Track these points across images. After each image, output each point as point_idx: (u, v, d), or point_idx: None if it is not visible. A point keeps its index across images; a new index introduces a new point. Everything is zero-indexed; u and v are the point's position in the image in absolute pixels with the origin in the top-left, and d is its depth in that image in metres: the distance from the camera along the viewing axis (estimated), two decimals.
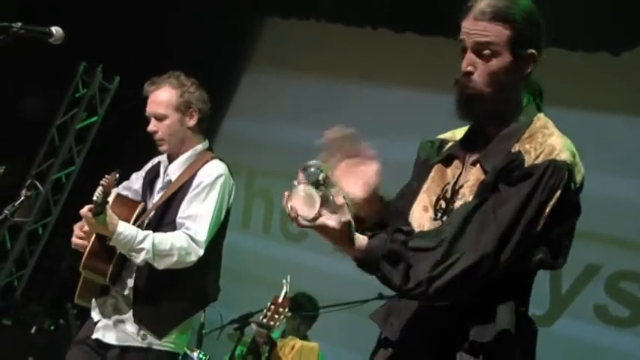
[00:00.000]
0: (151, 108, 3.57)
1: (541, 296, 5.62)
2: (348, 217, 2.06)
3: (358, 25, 6.90)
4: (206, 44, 7.04)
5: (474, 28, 2.14)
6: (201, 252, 3.38)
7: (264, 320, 4.04)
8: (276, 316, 4.05)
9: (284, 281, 4.14)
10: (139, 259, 3.32)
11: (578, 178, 2.09)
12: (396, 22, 6.67)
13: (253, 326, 4.22)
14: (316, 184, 2.08)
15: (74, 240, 3.43)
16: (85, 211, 3.24)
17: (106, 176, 3.20)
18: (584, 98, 5.60)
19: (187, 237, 3.37)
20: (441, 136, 2.45)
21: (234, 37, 7.46)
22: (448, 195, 2.20)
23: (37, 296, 7.20)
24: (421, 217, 2.23)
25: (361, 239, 2.13)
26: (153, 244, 3.31)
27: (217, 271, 3.64)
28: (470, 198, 2.12)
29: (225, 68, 7.32)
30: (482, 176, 2.13)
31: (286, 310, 4.06)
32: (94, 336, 3.47)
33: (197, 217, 3.42)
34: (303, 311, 5.16)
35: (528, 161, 2.06)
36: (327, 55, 7.19)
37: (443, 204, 2.20)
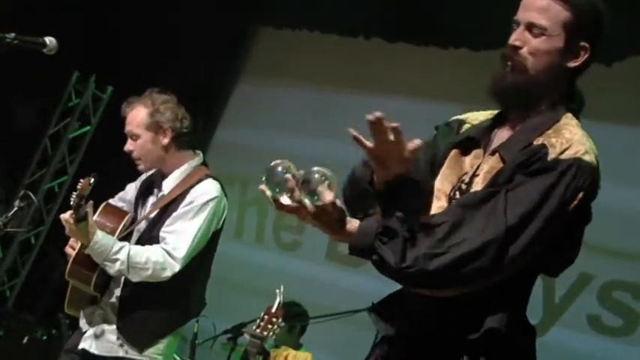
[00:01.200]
0: (127, 128, 3.60)
1: (534, 305, 5.59)
2: (329, 197, 1.95)
3: (351, 35, 6.92)
4: (199, 54, 7.05)
5: (534, 4, 2.06)
6: (177, 268, 3.35)
7: (258, 330, 4.03)
8: (270, 326, 4.03)
9: (277, 291, 4.13)
10: (113, 269, 3.31)
11: (599, 185, 2.02)
12: (389, 32, 6.69)
13: (246, 336, 4.20)
14: (281, 186, 2.02)
15: (68, 249, 3.43)
16: (66, 216, 3.24)
17: (81, 180, 3.21)
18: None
19: (164, 252, 3.35)
20: (459, 117, 2.35)
21: (227, 46, 7.46)
22: (464, 187, 2.10)
23: (29, 306, 7.17)
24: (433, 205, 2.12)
25: (353, 222, 2.01)
26: (128, 255, 3.30)
27: (203, 287, 3.63)
28: (481, 187, 2.03)
29: (218, 78, 7.32)
30: (500, 165, 2.04)
31: (279, 320, 4.05)
32: (81, 346, 3.47)
33: (180, 234, 3.40)
34: (296, 320, 5.14)
35: (552, 154, 1.97)
36: (320, 65, 7.20)
37: (457, 195, 2.10)
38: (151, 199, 3.60)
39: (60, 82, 7.63)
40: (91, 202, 3.28)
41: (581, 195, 1.96)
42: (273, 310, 4.07)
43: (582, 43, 2.08)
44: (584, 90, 2.19)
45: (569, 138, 2.00)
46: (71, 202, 3.18)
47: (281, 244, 7.13)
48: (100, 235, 3.27)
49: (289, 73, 7.35)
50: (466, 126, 2.27)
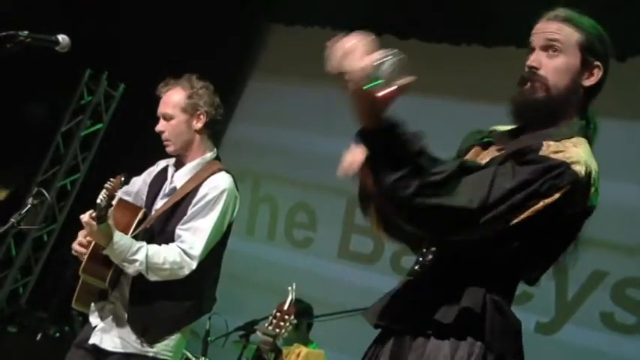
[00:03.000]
0: (161, 108, 3.60)
1: (547, 303, 5.60)
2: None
3: (362, 31, 6.89)
4: (211, 51, 7.05)
5: (545, 27, 2.21)
6: (194, 265, 3.38)
7: (270, 328, 4.03)
8: (282, 324, 4.03)
9: (289, 288, 4.12)
10: (132, 269, 3.33)
11: (585, 203, 2.07)
12: (401, 28, 6.67)
13: (258, 334, 4.20)
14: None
15: (75, 246, 3.43)
16: (86, 217, 3.24)
17: (111, 179, 3.20)
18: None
19: (181, 251, 3.37)
20: (492, 127, 2.45)
21: (239, 44, 7.46)
22: None
23: (42, 303, 7.20)
24: None
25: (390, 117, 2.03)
26: (147, 256, 3.32)
27: (215, 283, 3.64)
28: None
29: (230, 75, 7.32)
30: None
31: (292, 317, 4.04)
32: (91, 341, 3.48)
33: (196, 231, 3.42)
34: (302, 316, 5.14)
35: (544, 151, 2.06)
36: None
37: None
38: (163, 192, 3.60)
39: (72, 80, 7.65)
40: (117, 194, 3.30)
41: (556, 195, 2.00)
42: (285, 307, 4.06)
43: (596, 62, 2.20)
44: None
45: (568, 147, 2.08)
46: (98, 201, 3.17)
47: (293, 241, 7.13)
48: (119, 236, 3.28)
49: (301, 70, 7.34)
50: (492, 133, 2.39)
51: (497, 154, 2.21)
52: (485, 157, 2.25)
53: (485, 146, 2.33)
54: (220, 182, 3.50)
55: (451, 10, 6.32)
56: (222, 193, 3.47)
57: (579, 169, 2.03)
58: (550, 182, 2.00)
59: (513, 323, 2.15)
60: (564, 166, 2.02)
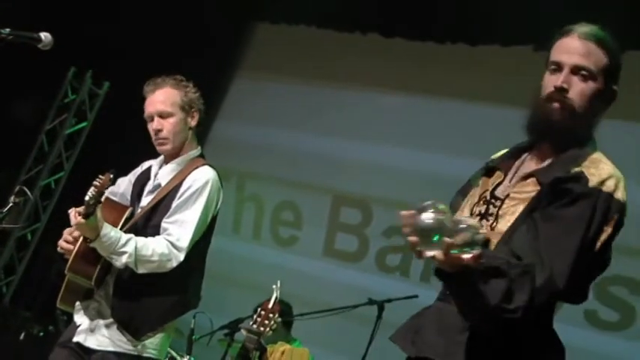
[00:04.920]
0: (155, 107, 3.57)
1: None
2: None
3: (348, 30, 6.91)
4: (196, 49, 7.04)
5: (578, 48, 2.21)
6: (181, 257, 3.38)
7: (254, 326, 4.03)
8: (267, 322, 4.03)
9: (274, 286, 4.12)
10: (120, 262, 3.32)
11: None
12: (385, 27, 6.69)
13: (243, 332, 4.20)
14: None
15: (61, 244, 3.42)
16: (75, 211, 3.23)
17: (100, 176, 3.19)
18: None
19: (168, 243, 3.38)
20: (491, 158, 2.49)
21: (224, 42, 7.45)
22: (488, 197, 2.25)
23: (25, 302, 7.17)
24: None
25: None
26: (135, 248, 3.32)
27: (200, 278, 3.63)
28: (521, 208, 2.15)
29: (215, 73, 7.31)
30: (537, 188, 2.16)
31: (276, 315, 4.05)
32: (75, 339, 3.47)
33: (182, 223, 3.42)
34: (283, 316, 5.15)
35: (592, 182, 2.10)
36: (317, 60, 7.19)
37: (482, 207, 2.24)
38: (147, 189, 3.60)
39: (56, 78, 7.62)
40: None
41: (609, 230, 2.11)
42: (270, 305, 4.06)
43: (614, 87, 2.25)
44: None
45: (606, 171, 2.13)
46: (87, 198, 3.16)
47: (278, 240, 7.13)
48: (108, 229, 3.28)
49: (286, 68, 7.35)
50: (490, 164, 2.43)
51: (524, 183, 2.21)
52: (494, 182, 2.29)
53: (489, 174, 2.36)
54: (204, 174, 3.52)
55: (435, 9, 6.34)
56: (205, 184, 3.48)
57: (620, 195, 2.12)
58: (601, 220, 2.08)
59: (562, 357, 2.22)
60: (609, 199, 2.09)
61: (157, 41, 7.07)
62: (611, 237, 2.12)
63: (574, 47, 2.21)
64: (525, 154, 2.33)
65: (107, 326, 3.44)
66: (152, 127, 3.57)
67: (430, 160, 6.37)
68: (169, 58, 6.61)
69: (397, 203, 6.62)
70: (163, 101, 3.56)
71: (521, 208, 2.16)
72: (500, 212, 2.19)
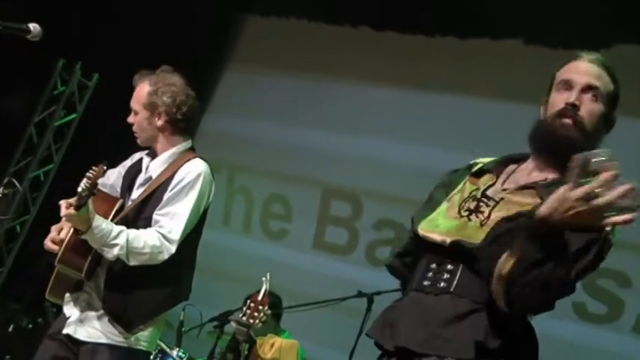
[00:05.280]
0: (132, 101, 3.62)
1: None
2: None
3: (338, 23, 6.91)
4: (186, 42, 7.02)
5: (589, 69, 2.29)
6: (173, 249, 3.38)
7: (244, 318, 4.03)
8: (256, 314, 4.04)
9: (264, 279, 4.13)
10: (112, 254, 3.32)
11: None
12: (376, 20, 6.69)
13: (233, 324, 4.20)
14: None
15: (48, 243, 3.41)
16: (66, 203, 3.23)
17: (93, 168, 3.19)
18: None
19: (160, 235, 3.37)
20: (474, 161, 2.50)
21: (214, 34, 7.44)
22: (479, 195, 2.28)
23: (15, 294, 7.16)
24: (445, 217, 2.28)
25: None
26: (127, 240, 3.31)
27: (191, 270, 3.63)
28: (512, 211, 2.17)
29: (205, 66, 7.30)
30: (537, 201, 2.16)
31: (266, 307, 4.05)
32: (65, 331, 3.46)
33: (174, 216, 3.42)
34: (272, 308, 5.16)
35: None
36: (307, 54, 7.19)
37: (473, 203, 2.27)
38: (139, 182, 3.60)
39: (45, 70, 7.59)
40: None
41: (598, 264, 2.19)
42: (260, 297, 4.06)
43: (614, 114, 2.33)
44: None
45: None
46: (80, 189, 3.15)
47: (268, 233, 7.14)
48: (99, 221, 3.28)
49: (276, 61, 7.34)
50: (479, 165, 2.43)
51: (522, 193, 2.24)
52: (486, 183, 2.33)
53: (478, 175, 2.39)
54: (196, 167, 3.51)
55: (426, 3, 6.34)
56: (198, 177, 3.48)
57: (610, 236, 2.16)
58: (596, 256, 2.15)
59: (537, 349, 2.26)
60: (608, 241, 2.15)
61: (147, 33, 7.05)
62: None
63: (585, 69, 2.29)
64: (515, 165, 2.36)
65: (98, 318, 3.43)
66: (128, 118, 3.63)
67: (420, 153, 6.38)
68: (159, 50, 6.61)
69: (387, 196, 6.65)
70: (135, 97, 3.60)
71: (512, 210, 2.18)
72: (492, 212, 2.21)
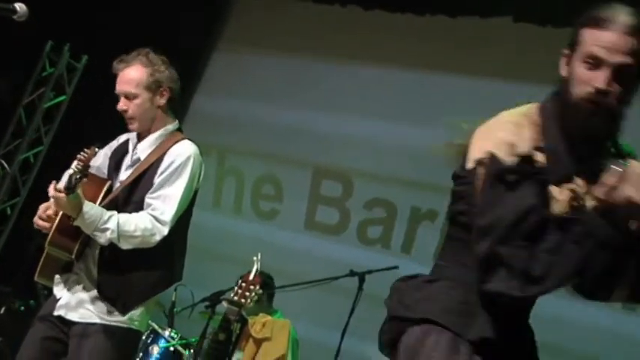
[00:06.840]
0: (121, 87, 3.54)
1: None
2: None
3: (327, 2, 6.89)
4: (176, 21, 6.99)
5: (621, 45, 2.03)
6: (165, 231, 3.38)
7: (236, 298, 4.05)
8: (247, 294, 4.05)
9: (255, 258, 4.14)
10: (104, 238, 3.32)
11: None
12: None
13: (224, 304, 4.22)
14: None
15: (37, 221, 3.41)
16: (55, 188, 3.22)
17: (85, 150, 3.17)
18: None
19: (152, 218, 3.38)
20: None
21: (204, 14, 7.40)
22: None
23: (6, 277, 7.15)
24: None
25: None
26: (118, 224, 3.31)
27: (183, 252, 3.64)
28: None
29: (195, 46, 7.27)
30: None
31: (257, 287, 4.07)
32: (56, 313, 3.46)
33: (166, 198, 3.42)
34: (265, 288, 5.18)
35: None
36: (296, 33, 7.17)
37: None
38: (126, 163, 3.59)
39: (34, 52, 7.54)
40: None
41: None
42: (251, 277, 4.08)
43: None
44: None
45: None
46: (71, 171, 3.14)
47: (259, 213, 7.14)
48: (89, 206, 3.27)
49: (266, 41, 7.31)
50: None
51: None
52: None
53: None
54: (185, 149, 3.51)
55: None
56: (188, 159, 3.48)
57: None
58: None
59: None
60: None
61: (135, 14, 7.01)
62: None
63: (617, 44, 2.02)
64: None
65: (88, 299, 3.44)
66: (119, 106, 3.55)
67: (410, 132, 6.38)
68: (147, 31, 6.57)
69: (378, 176, 6.66)
70: (129, 81, 3.52)
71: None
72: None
